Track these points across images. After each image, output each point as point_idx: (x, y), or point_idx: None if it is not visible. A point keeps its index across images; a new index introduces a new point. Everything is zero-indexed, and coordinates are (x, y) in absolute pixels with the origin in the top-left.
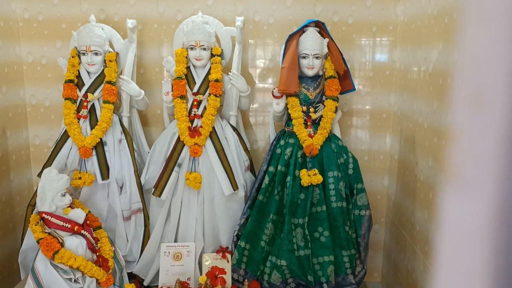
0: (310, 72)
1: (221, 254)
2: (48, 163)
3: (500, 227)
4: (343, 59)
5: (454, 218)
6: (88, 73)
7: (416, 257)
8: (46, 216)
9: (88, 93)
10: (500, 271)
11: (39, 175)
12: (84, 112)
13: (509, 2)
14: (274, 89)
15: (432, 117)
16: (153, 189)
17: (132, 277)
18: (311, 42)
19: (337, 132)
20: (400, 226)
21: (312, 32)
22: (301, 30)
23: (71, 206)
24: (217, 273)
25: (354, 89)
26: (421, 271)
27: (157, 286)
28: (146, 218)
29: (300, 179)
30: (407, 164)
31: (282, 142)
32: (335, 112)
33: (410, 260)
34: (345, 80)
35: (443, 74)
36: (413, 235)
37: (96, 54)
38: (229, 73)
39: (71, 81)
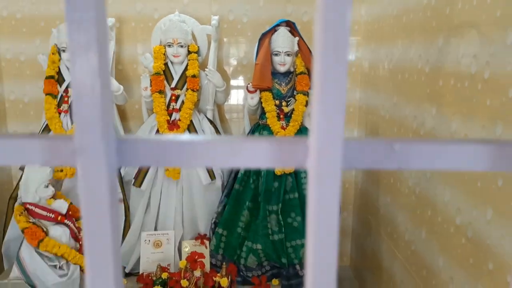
0: (282, 69)
1: (199, 240)
2: None
3: None
4: (313, 56)
5: None
6: (68, 69)
7: (380, 239)
8: (30, 207)
9: (68, 89)
10: None
11: (21, 168)
12: (65, 106)
13: None
14: (249, 84)
15: (393, 110)
16: (133, 180)
17: None
18: (282, 40)
19: (308, 124)
20: (366, 212)
21: (283, 31)
22: (273, 29)
23: (54, 197)
24: (196, 257)
25: None
26: (385, 251)
27: (138, 272)
28: (127, 209)
29: (274, 168)
30: None
31: (256, 134)
32: (306, 105)
33: (375, 242)
34: None
35: (402, 70)
36: (377, 218)
37: None
38: (206, 69)
39: (51, 77)
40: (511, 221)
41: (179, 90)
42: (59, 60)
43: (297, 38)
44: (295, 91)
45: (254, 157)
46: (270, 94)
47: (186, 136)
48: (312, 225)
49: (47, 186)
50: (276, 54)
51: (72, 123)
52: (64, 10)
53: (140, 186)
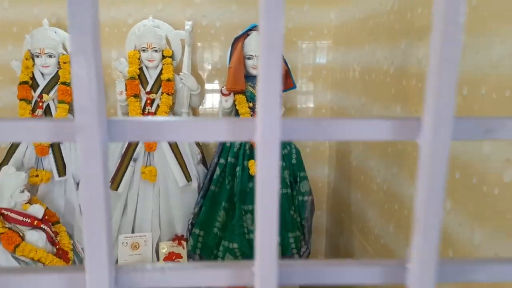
0: (255, 72)
1: (177, 241)
2: (4, 162)
3: None
4: (284, 59)
5: None
6: (42, 74)
7: (353, 235)
8: (5, 212)
9: (43, 94)
10: None
11: None
12: (39, 112)
13: None
14: (223, 87)
15: (361, 110)
16: (110, 184)
17: None
18: (255, 44)
19: None
20: (339, 210)
21: (255, 35)
22: (246, 34)
23: (30, 202)
24: (174, 258)
25: (295, 87)
26: (357, 247)
27: None
28: None
29: (249, 169)
30: (343, 152)
31: None
32: None
33: (348, 239)
34: (286, 78)
35: (369, 71)
36: (349, 216)
37: (50, 56)
38: (180, 73)
39: (25, 82)
40: (466, 210)
41: (154, 94)
42: (33, 65)
43: None
44: None
45: (215, 132)
46: (244, 96)
47: (162, 117)
48: (259, 185)
49: (22, 191)
50: (249, 58)
51: None
52: (67, 18)
53: (116, 189)
